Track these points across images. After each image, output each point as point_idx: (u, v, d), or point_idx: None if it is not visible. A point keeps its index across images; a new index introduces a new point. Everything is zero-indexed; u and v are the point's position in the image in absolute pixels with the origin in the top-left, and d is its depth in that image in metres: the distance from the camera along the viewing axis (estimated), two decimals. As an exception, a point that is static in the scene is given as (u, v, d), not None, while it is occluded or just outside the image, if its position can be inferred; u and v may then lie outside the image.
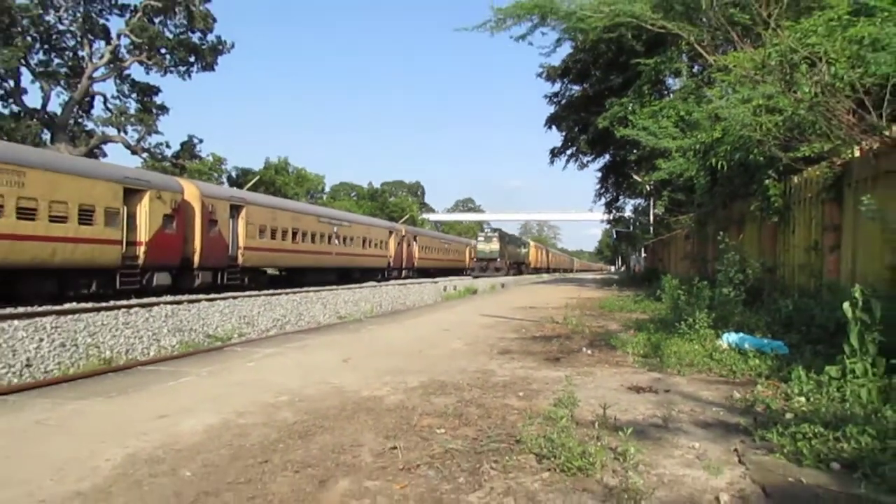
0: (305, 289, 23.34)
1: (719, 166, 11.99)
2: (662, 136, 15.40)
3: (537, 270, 78.86)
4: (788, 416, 4.34)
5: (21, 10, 38.11)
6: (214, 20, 44.14)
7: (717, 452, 3.80)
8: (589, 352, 7.98)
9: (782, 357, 6.49)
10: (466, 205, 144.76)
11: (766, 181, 10.55)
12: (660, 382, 5.94)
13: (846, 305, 4.70)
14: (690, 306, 9.15)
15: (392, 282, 36.39)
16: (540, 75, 31.05)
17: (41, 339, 8.39)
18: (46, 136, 42.28)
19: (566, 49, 26.99)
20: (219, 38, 45.49)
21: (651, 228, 34.45)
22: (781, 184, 10.53)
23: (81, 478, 3.35)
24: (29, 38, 40.35)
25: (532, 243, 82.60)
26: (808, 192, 9.63)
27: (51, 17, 41.23)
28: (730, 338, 7.41)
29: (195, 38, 44.67)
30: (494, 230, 61.19)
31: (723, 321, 8.52)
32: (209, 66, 45.60)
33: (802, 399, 4.74)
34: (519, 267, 65.57)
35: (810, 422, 3.95)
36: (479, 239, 58.91)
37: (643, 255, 44.63)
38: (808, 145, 8.28)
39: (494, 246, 56.52)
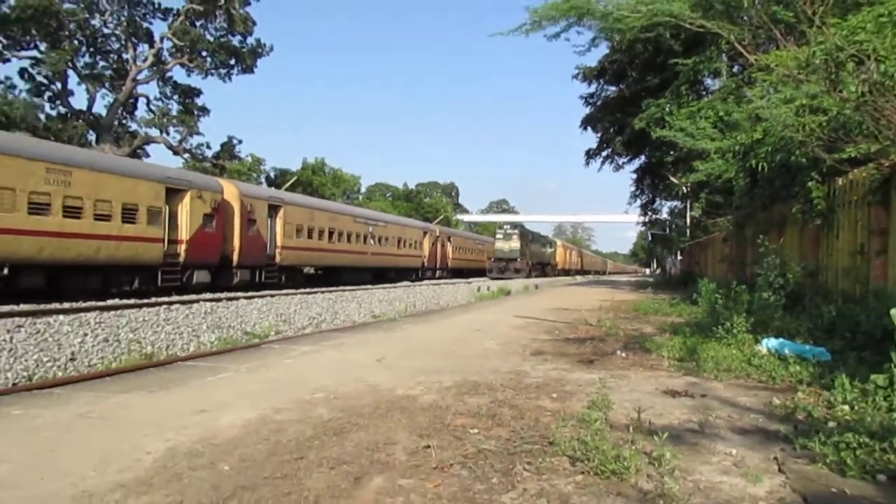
0: (341, 288, 23.55)
1: (759, 168, 11.76)
2: (700, 137, 15.16)
3: (566, 272, 71.81)
4: (831, 424, 4.23)
5: (68, 14, 39.26)
6: (254, 23, 44.87)
7: (756, 460, 3.73)
8: (623, 354, 7.90)
9: (824, 364, 6.33)
10: (500, 206, 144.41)
11: (809, 183, 10.31)
12: (696, 387, 5.85)
13: (894, 311, 4.56)
14: (728, 310, 8.98)
15: (426, 282, 36.48)
16: (576, 76, 30.88)
17: (85, 334, 8.61)
18: (92, 136, 43.50)
19: (602, 50, 26.87)
20: (258, 40, 46.28)
21: (687, 231, 33.98)
22: (825, 186, 10.28)
23: (123, 469, 3.42)
24: (76, 42, 41.59)
25: (560, 243, 76.05)
26: (853, 195, 9.38)
27: (96, 21, 42.48)
28: (769, 343, 7.26)
29: (235, 41, 45.48)
30: (515, 226, 52.51)
31: (762, 326, 8.35)
32: (249, 69, 46.35)
33: (846, 407, 4.61)
34: (543, 268, 58.44)
35: (855, 431, 3.84)
36: (498, 236, 50.55)
37: (679, 257, 44.00)
38: (854, 146, 8.07)
39: (515, 244, 49.14)
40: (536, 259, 55.39)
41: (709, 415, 4.75)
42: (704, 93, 21.23)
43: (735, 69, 19.06)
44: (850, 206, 9.55)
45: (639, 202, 39.61)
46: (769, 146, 10.87)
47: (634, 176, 36.72)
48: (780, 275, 9.36)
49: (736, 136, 13.04)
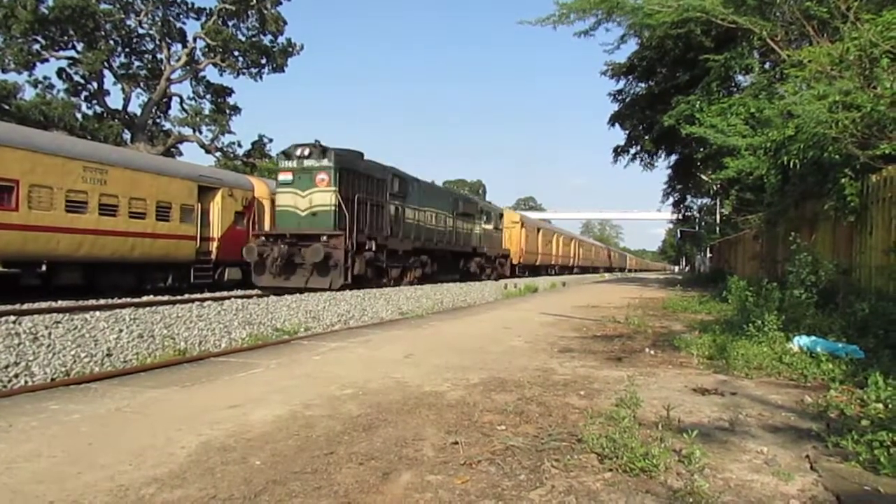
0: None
1: (791, 165, 11.58)
2: (731, 133, 14.98)
3: (533, 269, 43.85)
4: (864, 422, 4.17)
5: (105, 14, 40.08)
6: (285, 23, 45.22)
7: (788, 458, 3.70)
8: (651, 352, 7.86)
9: (857, 362, 6.24)
10: (527, 203, 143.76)
11: (843, 180, 10.14)
12: (726, 385, 5.80)
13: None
14: (759, 308, 8.87)
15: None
16: (604, 73, 30.59)
17: (121, 330, 8.80)
18: (127, 135, 44.32)
19: (631, 46, 26.60)
20: (289, 40, 46.61)
21: (717, 228, 33.57)
22: (858, 183, 10.10)
23: (158, 464, 3.50)
24: (112, 42, 42.40)
25: (517, 218, 40.97)
26: (888, 192, 9.20)
27: (131, 22, 43.24)
28: (801, 341, 7.17)
29: (266, 40, 45.89)
30: (320, 146, 18.72)
31: (793, 324, 8.24)
32: (279, 68, 46.70)
33: (880, 406, 4.54)
34: (464, 261, 29.55)
35: (888, 429, 3.78)
36: (282, 171, 19.22)
37: (708, 255, 43.47)
38: (889, 143, 7.93)
39: (326, 196, 18.39)
40: (424, 237, 24.53)
41: (739, 412, 4.71)
42: (735, 89, 20.92)
43: (767, 65, 18.77)
44: (883, 204, 9.36)
45: (671, 199, 39.25)
46: (801, 143, 10.69)
47: (669, 172, 36.34)
48: (812, 272, 9.23)
49: (767, 132, 12.86)
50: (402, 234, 22.15)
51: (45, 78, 49.76)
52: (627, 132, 32.59)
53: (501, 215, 36.97)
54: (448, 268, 27.09)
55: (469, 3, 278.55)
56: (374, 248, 19.37)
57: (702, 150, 20.63)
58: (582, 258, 66.04)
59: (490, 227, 33.36)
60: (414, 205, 23.45)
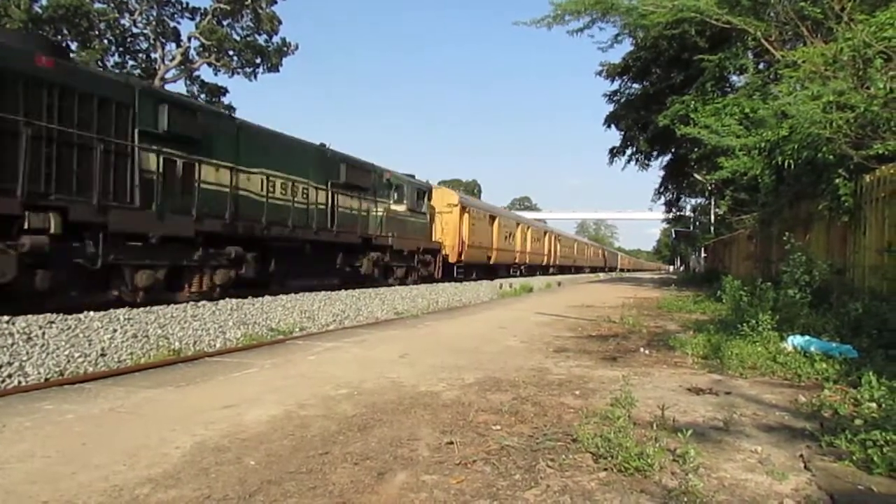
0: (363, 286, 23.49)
1: (786, 165, 11.63)
2: (725, 134, 15.03)
3: (486, 270, 34.08)
4: (858, 422, 4.19)
5: (99, 14, 39.97)
6: (280, 22, 45.12)
7: (782, 457, 3.71)
8: (646, 352, 7.87)
9: (851, 361, 6.27)
10: (523, 203, 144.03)
11: (837, 180, 10.19)
12: (720, 384, 5.82)
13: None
14: (753, 307, 8.91)
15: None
16: (599, 73, 30.68)
17: (115, 330, 8.76)
18: (120, 134, 44.06)
19: (625, 46, 26.70)
20: (283, 39, 46.52)
21: (712, 228, 33.69)
22: (852, 183, 10.15)
23: (152, 464, 3.49)
24: (106, 42, 42.26)
25: (457, 198, 30.38)
26: (881, 192, 9.25)
27: (126, 21, 43.06)
28: (795, 340, 7.20)
29: (261, 40, 45.80)
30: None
31: (787, 323, 8.27)
32: (274, 68, 46.60)
33: (873, 405, 4.57)
34: (351, 259, 19.35)
35: (882, 429, 3.79)
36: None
37: (703, 255, 43.61)
38: (882, 143, 7.98)
39: None
40: (244, 215, 14.52)
41: (733, 412, 4.72)
42: (730, 90, 21.00)
43: (761, 66, 18.84)
44: (877, 204, 9.42)
45: (663, 199, 39.32)
46: (796, 143, 10.75)
47: (662, 172, 36.43)
48: (806, 272, 9.27)
49: (762, 132, 12.91)
50: (175, 206, 12.28)
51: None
52: (623, 133, 32.69)
53: (426, 193, 25.49)
54: (309, 267, 17.18)
55: (465, 2, 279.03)
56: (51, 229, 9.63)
57: (696, 150, 20.71)
58: (560, 256, 55.58)
59: (402, 208, 22.74)
60: (224, 159, 13.73)
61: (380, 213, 20.91)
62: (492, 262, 34.87)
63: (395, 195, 22.55)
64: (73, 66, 11.13)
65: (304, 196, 16.68)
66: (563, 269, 56.67)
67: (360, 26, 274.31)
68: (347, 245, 18.77)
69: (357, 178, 19.40)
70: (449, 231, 28.32)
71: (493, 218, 35.49)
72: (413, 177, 24.95)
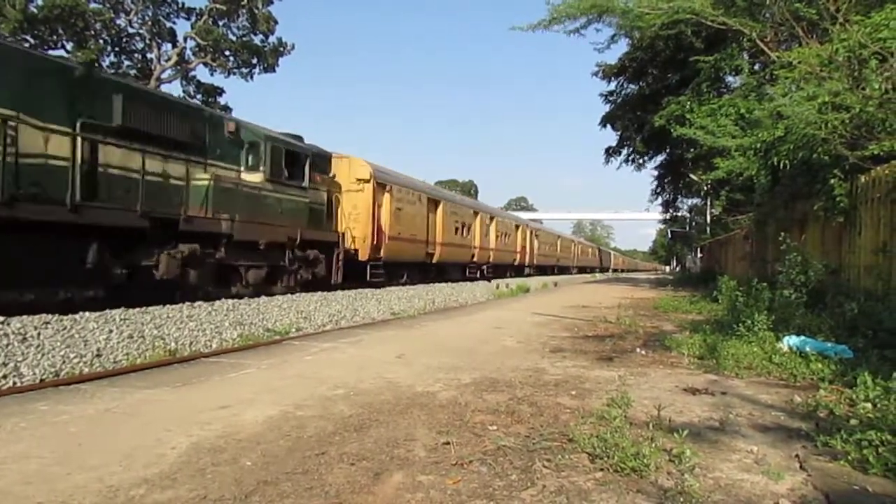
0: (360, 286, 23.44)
1: (781, 165, 11.66)
2: (721, 134, 15.07)
3: (389, 270, 21.97)
4: (853, 422, 4.20)
5: (95, 14, 39.86)
6: (276, 22, 45.07)
7: (777, 457, 3.72)
8: (643, 352, 7.88)
9: (847, 362, 6.29)
10: (519, 203, 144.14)
11: (832, 180, 10.22)
12: (716, 384, 5.83)
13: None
14: (749, 308, 8.93)
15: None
16: (595, 74, 30.73)
17: (110, 331, 8.73)
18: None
19: (622, 47, 26.77)
20: (280, 39, 46.46)
21: (708, 228, 33.77)
22: (847, 183, 10.18)
23: (148, 465, 3.48)
24: (101, 42, 42.16)
25: (370, 172, 20.60)
26: (876, 192, 9.28)
27: (121, 21, 42.99)
28: (791, 341, 7.21)
29: (257, 40, 45.73)
30: None
31: (783, 324, 8.29)
32: (270, 68, 46.53)
33: (868, 405, 4.58)
34: (137, 256, 11.49)
35: (877, 429, 3.81)
36: None
37: (699, 255, 43.68)
38: (877, 143, 8.00)
39: None
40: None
41: (729, 412, 4.73)
42: (725, 90, 21.08)
43: (757, 66, 18.90)
44: (872, 204, 9.45)
45: (660, 200, 39.40)
46: (791, 143, 10.78)
47: (656, 173, 36.52)
48: (802, 272, 9.30)
49: (757, 133, 12.95)
50: None
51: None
52: (619, 133, 32.76)
53: (311, 159, 17.05)
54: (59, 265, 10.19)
55: (462, 4, 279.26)
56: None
57: (692, 150, 20.77)
58: (539, 254, 48.05)
59: (257, 178, 14.85)
60: None
61: (203, 183, 13.22)
62: (434, 260, 27.02)
63: (249, 158, 14.81)
64: None
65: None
66: (542, 270, 50.19)
67: (358, 26, 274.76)
68: (114, 229, 10.90)
69: (153, 122, 11.83)
70: (360, 218, 20.42)
71: (434, 203, 27.04)
72: (300, 139, 17.46)
